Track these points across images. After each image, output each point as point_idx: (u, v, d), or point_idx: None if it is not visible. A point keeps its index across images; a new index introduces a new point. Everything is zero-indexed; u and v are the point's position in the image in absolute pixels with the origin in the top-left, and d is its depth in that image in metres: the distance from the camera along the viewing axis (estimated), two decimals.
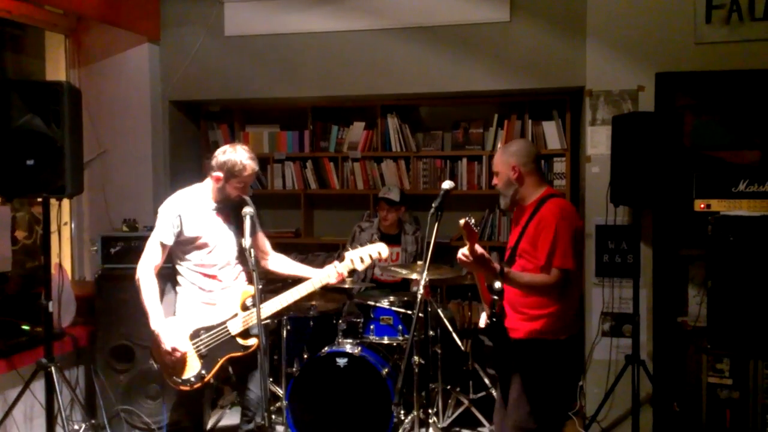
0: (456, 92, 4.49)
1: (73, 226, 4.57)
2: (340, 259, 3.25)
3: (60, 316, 3.69)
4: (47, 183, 3.17)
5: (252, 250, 2.86)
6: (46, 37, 4.48)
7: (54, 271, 3.49)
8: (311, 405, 3.72)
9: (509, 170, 2.80)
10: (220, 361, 3.01)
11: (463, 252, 2.53)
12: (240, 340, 3.04)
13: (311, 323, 4.02)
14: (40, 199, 3.36)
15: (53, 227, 3.49)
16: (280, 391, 3.93)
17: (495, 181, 2.90)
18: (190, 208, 3.04)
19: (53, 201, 3.37)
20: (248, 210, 2.94)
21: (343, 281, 3.28)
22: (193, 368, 2.98)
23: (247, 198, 3.14)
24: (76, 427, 3.79)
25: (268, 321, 3.35)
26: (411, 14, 4.34)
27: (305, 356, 3.90)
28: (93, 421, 3.79)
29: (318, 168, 5.03)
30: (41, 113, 3.15)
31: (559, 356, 2.75)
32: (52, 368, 3.29)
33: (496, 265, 2.59)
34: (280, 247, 5.03)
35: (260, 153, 5.08)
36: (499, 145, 4.69)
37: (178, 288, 3.10)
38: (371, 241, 4.44)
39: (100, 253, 3.93)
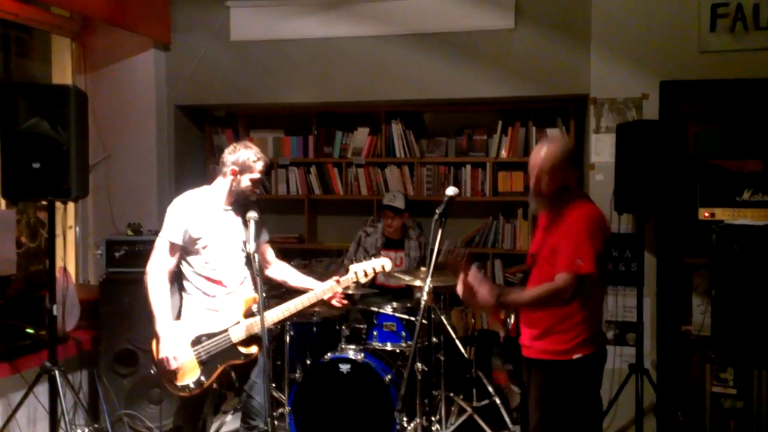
0: (460, 99, 4.50)
1: (77, 229, 4.58)
2: (343, 272, 3.23)
3: (64, 319, 3.69)
4: (53, 186, 3.17)
5: (256, 255, 2.87)
6: (53, 41, 4.50)
7: (58, 274, 3.50)
8: (314, 411, 3.71)
9: (562, 177, 2.53)
10: (220, 368, 2.99)
11: (458, 287, 2.47)
12: (241, 348, 3.01)
13: (314, 329, 4.01)
14: (45, 203, 3.37)
15: (58, 231, 3.49)
16: (283, 397, 3.92)
17: (537, 184, 2.57)
18: (198, 209, 3.01)
19: (58, 204, 3.37)
20: (252, 215, 2.94)
21: (343, 297, 3.24)
22: (192, 374, 2.95)
23: (254, 204, 3.15)
24: (78, 431, 3.78)
25: (272, 326, 3.34)
26: (416, 21, 4.36)
27: (308, 362, 3.89)
28: (96, 425, 3.78)
29: (322, 173, 5.04)
30: (47, 117, 3.15)
31: (571, 378, 2.52)
32: (56, 372, 3.28)
33: (490, 297, 2.46)
34: (283, 252, 5.09)
35: None
36: (503, 153, 4.70)
37: (183, 292, 3.09)
38: (376, 247, 4.45)
39: (104, 257, 3.94)
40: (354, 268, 3.19)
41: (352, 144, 4.97)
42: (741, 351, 3.34)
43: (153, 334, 2.95)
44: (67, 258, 4.39)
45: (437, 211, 2.58)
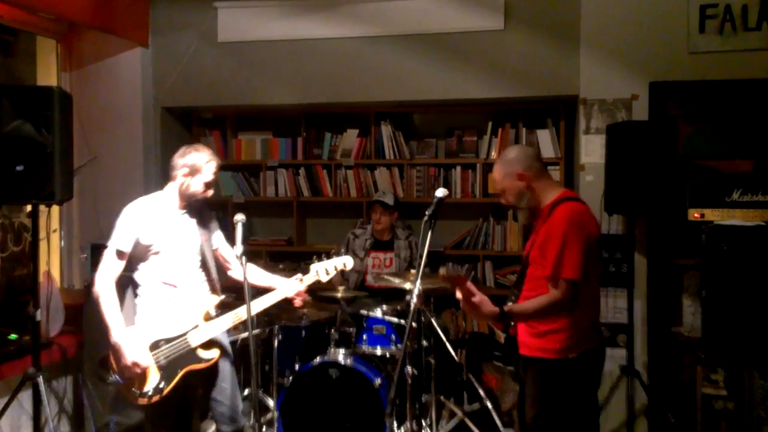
0: (450, 100, 4.48)
1: (62, 233, 4.53)
2: (305, 271, 3.22)
3: (48, 325, 3.64)
4: (36, 189, 3.13)
5: (244, 258, 2.83)
6: (38, 42, 4.45)
7: (42, 279, 3.45)
8: (303, 416, 3.67)
9: (515, 180, 2.61)
10: (180, 373, 2.93)
11: (458, 298, 2.44)
12: (201, 352, 2.97)
13: (303, 333, 3.98)
14: (29, 206, 3.32)
15: (42, 234, 3.44)
16: (271, 402, 3.88)
17: (504, 199, 2.69)
18: (150, 215, 2.98)
19: (42, 208, 3.33)
20: (240, 217, 2.90)
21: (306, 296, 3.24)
22: (152, 380, 2.89)
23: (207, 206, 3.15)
24: None
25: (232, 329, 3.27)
26: (405, 22, 4.34)
27: (297, 366, 3.86)
28: None
29: (311, 175, 5.00)
30: (31, 118, 3.11)
31: (567, 377, 2.52)
32: (40, 378, 3.23)
33: (494, 309, 2.44)
34: (272, 255, 5.05)
35: (253, 160, 5.07)
36: (493, 154, 4.69)
37: (137, 298, 3.04)
38: (364, 248, 4.43)
39: (89, 261, 3.89)
40: (315, 267, 3.21)
41: (342, 145, 4.94)
42: (731, 352, 3.33)
43: (109, 346, 2.87)
44: (51, 262, 4.33)
45: (427, 213, 2.58)
